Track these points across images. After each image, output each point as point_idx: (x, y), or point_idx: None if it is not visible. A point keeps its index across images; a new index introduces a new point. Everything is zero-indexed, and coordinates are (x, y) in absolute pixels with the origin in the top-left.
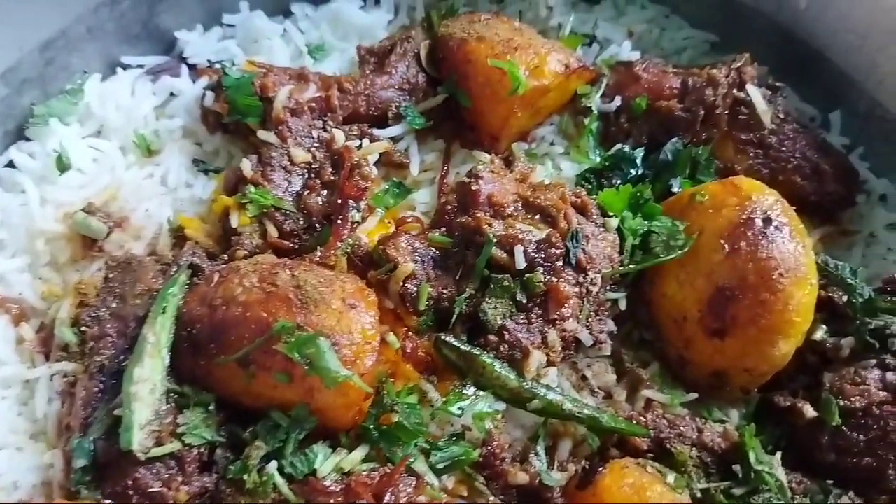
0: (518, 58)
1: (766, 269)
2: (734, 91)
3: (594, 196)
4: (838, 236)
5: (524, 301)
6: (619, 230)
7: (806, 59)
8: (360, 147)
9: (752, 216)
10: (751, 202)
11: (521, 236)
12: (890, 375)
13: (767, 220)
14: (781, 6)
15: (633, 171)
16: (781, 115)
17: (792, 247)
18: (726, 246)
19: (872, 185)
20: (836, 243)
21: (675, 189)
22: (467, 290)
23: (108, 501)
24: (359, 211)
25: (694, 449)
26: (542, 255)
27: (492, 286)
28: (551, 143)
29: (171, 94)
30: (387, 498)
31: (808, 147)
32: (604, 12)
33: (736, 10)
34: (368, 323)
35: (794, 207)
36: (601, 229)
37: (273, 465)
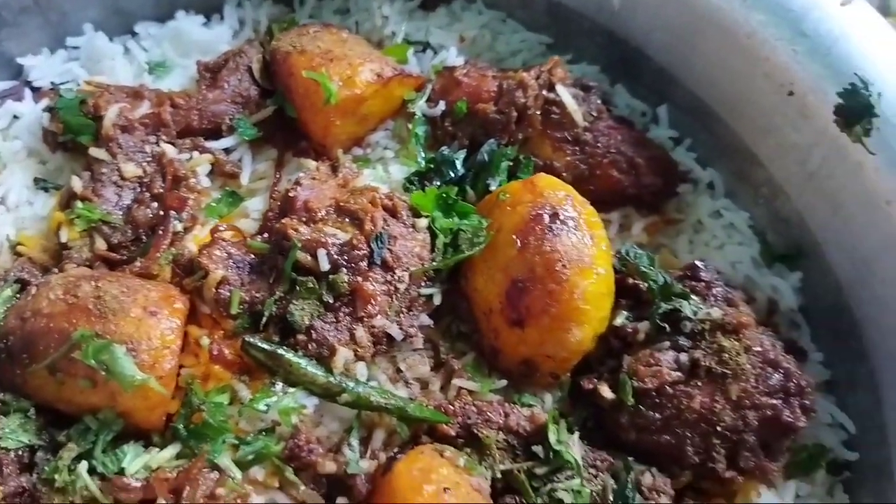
0: (332, 69)
1: (551, 261)
2: (544, 92)
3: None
4: (664, 225)
5: (331, 301)
6: (431, 230)
7: (629, 57)
8: (190, 160)
9: (540, 212)
10: (542, 198)
11: (324, 240)
12: (682, 356)
13: (554, 216)
14: (601, 7)
15: (452, 174)
16: (595, 113)
17: (575, 239)
18: (518, 241)
19: (698, 175)
20: (664, 232)
21: (492, 188)
22: (277, 293)
23: None
24: (181, 221)
25: (500, 433)
26: (346, 257)
27: (298, 288)
28: (385, 148)
29: (15, 117)
30: (185, 492)
31: (623, 142)
32: (438, 19)
33: (563, 13)
34: (168, 328)
35: (613, 199)
36: (410, 229)
37: (84, 465)
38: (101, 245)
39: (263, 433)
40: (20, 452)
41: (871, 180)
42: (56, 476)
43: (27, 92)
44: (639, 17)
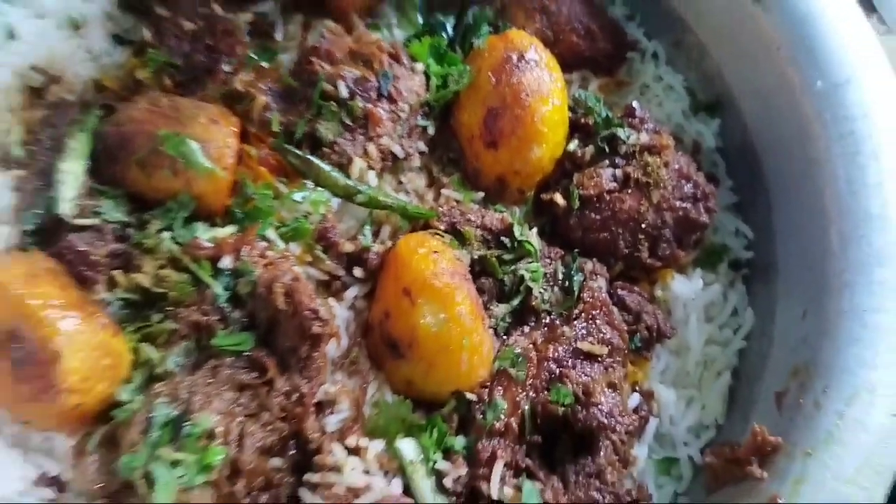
0: None
1: (518, 91)
2: None
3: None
4: (616, 87)
5: (349, 122)
6: (427, 75)
7: None
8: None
9: (510, 54)
10: (512, 45)
11: (343, 74)
12: (617, 172)
13: (521, 58)
14: None
15: (444, 35)
16: None
17: (537, 75)
18: (493, 78)
19: (645, 46)
20: (615, 93)
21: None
22: (306, 116)
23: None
24: (230, 64)
25: (478, 230)
26: (360, 88)
27: (323, 112)
28: (390, 16)
29: None
30: (243, 251)
31: (582, 13)
32: None
33: None
34: (227, 133)
35: (574, 62)
36: (410, 72)
37: (167, 233)
38: (168, 82)
39: (297, 219)
40: (116, 225)
41: (766, 32)
42: (145, 241)
43: None
44: None
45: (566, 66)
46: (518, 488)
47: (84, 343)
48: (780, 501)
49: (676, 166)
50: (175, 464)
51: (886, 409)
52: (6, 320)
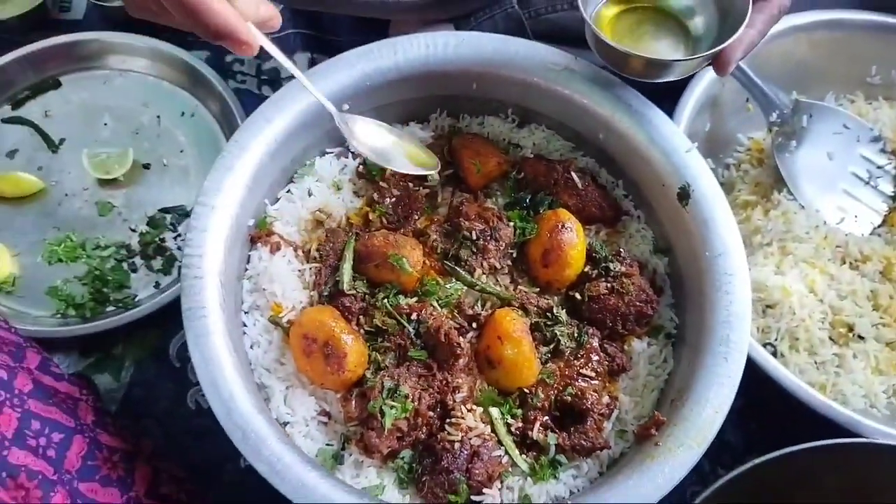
0: None
1: (560, 243)
2: (565, 175)
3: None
4: (614, 235)
5: (475, 250)
6: (514, 227)
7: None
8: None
9: (558, 223)
10: (558, 218)
11: (473, 226)
12: (608, 285)
13: (563, 226)
14: None
15: (525, 203)
16: (587, 183)
17: (569, 235)
18: (548, 234)
19: (633, 213)
20: (614, 238)
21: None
22: (455, 246)
23: (334, 307)
24: (417, 214)
25: (535, 308)
26: (481, 233)
27: (463, 244)
28: (498, 194)
29: (345, 165)
30: (423, 312)
31: (597, 196)
32: None
33: None
34: (418, 253)
35: (591, 221)
36: (506, 225)
37: (386, 300)
38: (385, 221)
39: (448, 297)
40: (364, 295)
41: (689, 224)
42: (376, 303)
43: (349, 153)
44: None
45: (586, 223)
46: (545, 435)
47: (355, 349)
48: (662, 418)
49: (638, 283)
50: (392, 407)
51: (711, 409)
52: (323, 338)
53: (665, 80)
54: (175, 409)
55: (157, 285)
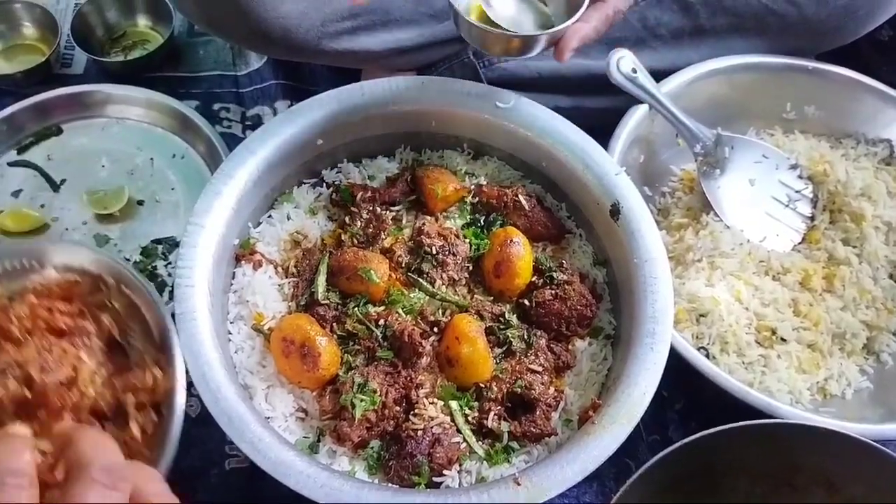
0: None
1: (509, 256)
2: (514, 199)
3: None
4: (558, 251)
5: (435, 264)
6: (470, 244)
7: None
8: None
9: (507, 239)
10: (507, 235)
11: (434, 243)
12: (553, 292)
13: (512, 241)
14: None
15: (479, 223)
16: (533, 203)
17: (518, 249)
18: (499, 248)
19: (573, 230)
20: (558, 253)
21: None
22: (418, 260)
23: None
24: (384, 235)
25: (489, 313)
26: (441, 249)
27: (425, 258)
28: (456, 215)
29: (320, 193)
30: (390, 318)
31: (543, 216)
32: None
33: None
34: (385, 268)
35: (538, 239)
36: (463, 242)
37: (356, 308)
38: (356, 241)
39: (412, 305)
40: (336, 304)
41: (623, 243)
42: (347, 311)
43: (323, 183)
44: None
45: (534, 241)
46: (499, 424)
47: (328, 350)
48: (598, 402)
49: (578, 289)
50: (361, 400)
51: (640, 391)
52: (300, 339)
53: (527, 56)
54: None
55: None
